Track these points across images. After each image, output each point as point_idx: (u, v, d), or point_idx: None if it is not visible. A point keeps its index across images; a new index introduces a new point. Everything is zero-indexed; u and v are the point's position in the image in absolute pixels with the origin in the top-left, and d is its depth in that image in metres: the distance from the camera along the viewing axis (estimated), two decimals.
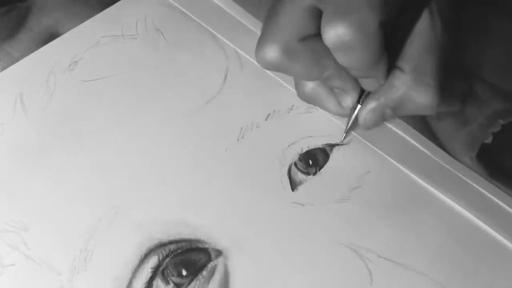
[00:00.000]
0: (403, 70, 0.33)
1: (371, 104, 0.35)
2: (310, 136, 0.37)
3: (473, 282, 0.32)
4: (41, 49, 0.40)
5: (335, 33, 0.29)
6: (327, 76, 0.34)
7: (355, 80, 0.35)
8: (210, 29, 0.42)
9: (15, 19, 0.42)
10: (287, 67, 0.33)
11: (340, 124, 0.38)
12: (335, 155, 0.37)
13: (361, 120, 0.36)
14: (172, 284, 0.31)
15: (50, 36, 0.41)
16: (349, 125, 0.37)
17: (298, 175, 0.36)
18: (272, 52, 0.32)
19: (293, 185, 0.35)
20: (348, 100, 0.36)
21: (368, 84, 0.34)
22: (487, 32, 0.43)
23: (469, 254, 0.33)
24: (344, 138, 0.37)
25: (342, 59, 0.31)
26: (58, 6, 0.43)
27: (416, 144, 0.38)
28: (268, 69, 0.34)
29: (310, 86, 0.36)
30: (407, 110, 0.35)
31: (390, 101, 0.34)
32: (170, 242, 0.32)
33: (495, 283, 0.32)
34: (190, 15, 0.43)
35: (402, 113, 0.35)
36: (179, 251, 0.32)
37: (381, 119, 0.35)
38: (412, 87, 0.33)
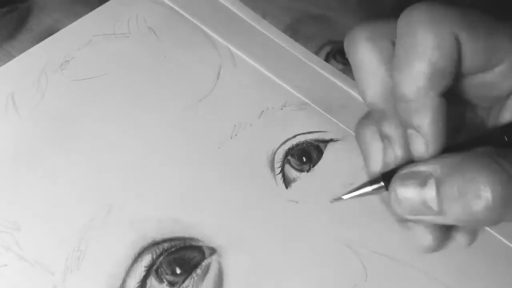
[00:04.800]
0: None
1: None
2: (304, 133, 0.37)
3: (467, 274, 0.32)
4: (32, 48, 0.40)
5: None
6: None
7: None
8: (202, 27, 0.42)
9: (16, 20, 0.42)
10: None
11: (334, 120, 0.37)
12: (329, 151, 0.37)
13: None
14: (166, 283, 0.31)
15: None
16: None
17: (292, 172, 0.36)
18: None
19: (287, 182, 0.35)
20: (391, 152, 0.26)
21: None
22: None
23: (462, 248, 0.33)
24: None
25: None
26: (58, 7, 0.43)
27: None
28: None
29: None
30: None
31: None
32: (164, 241, 0.32)
33: (489, 275, 0.32)
34: (182, 12, 0.43)
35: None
36: (172, 249, 0.32)
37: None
38: None
